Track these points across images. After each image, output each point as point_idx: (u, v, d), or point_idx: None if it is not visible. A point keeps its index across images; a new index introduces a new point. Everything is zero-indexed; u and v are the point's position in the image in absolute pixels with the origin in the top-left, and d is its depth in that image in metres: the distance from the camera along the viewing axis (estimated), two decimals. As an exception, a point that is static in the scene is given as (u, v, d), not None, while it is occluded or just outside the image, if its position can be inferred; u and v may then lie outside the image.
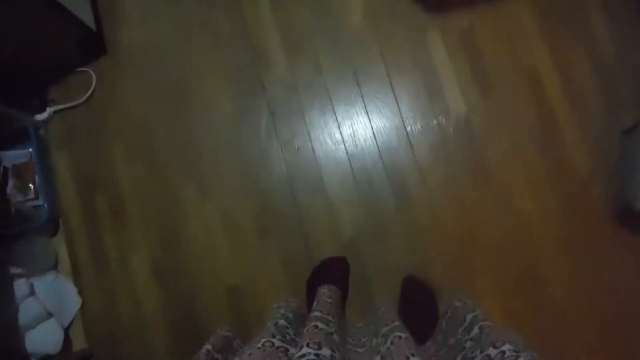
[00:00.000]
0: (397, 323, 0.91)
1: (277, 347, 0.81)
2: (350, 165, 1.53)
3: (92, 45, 1.65)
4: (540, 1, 1.55)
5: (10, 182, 1.55)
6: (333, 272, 1.40)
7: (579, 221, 1.43)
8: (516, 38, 1.55)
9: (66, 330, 1.52)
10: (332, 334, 0.86)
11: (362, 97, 1.57)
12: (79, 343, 1.53)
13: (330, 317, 0.94)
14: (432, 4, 1.58)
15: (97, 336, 1.55)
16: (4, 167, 1.56)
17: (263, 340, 0.82)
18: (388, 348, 0.81)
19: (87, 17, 1.61)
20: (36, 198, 1.56)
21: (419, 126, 1.53)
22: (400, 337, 0.82)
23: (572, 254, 1.42)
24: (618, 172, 1.43)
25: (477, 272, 1.44)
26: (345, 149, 1.54)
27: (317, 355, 0.73)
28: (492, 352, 0.77)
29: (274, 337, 0.84)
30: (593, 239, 1.42)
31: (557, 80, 1.51)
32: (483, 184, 1.48)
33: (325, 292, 1.18)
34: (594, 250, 1.42)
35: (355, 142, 1.54)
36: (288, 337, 0.92)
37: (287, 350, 0.81)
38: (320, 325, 0.86)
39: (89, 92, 1.65)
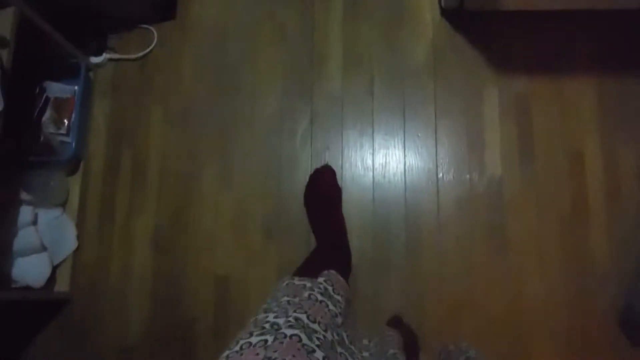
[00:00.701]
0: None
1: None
2: (373, 194, 1.52)
3: (164, 7, 1.68)
4: (607, 91, 1.53)
5: (48, 113, 1.58)
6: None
7: (582, 318, 1.39)
8: (570, 118, 1.53)
9: (54, 269, 1.53)
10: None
11: (404, 131, 1.56)
12: (62, 285, 1.54)
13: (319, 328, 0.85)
14: (498, 62, 1.57)
15: (81, 284, 1.55)
16: (47, 96, 1.59)
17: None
18: None
19: (167, -19, 1.65)
20: (67, 134, 1.58)
21: (450, 176, 1.51)
22: None
23: (567, 350, 1.38)
24: (635, 280, 1.38)
25: (466, 332, 1.41)
26: (373, 177, 1.53)
27: None
28: None
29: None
30: (592, 341, 1.38)
31: (599, 173, 1.48)
32: (497, 252, 1.45)
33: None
34: (590, 353, 1.37)
35: (385, 173, 1.53)
36: None
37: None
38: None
39: (147, 50, 1.68)
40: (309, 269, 1.17)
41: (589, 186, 1.46)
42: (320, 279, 0.86)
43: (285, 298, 0.76)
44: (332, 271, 0.90)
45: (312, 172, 1.52)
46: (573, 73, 1.56)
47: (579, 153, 1.49)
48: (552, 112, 1.53)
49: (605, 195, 1.45)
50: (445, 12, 1.63)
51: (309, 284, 0.83)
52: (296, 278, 0.86)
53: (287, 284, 0.84)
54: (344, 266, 1.40)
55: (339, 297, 0.85)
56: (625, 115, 1.51)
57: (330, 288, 0.85)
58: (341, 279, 0.91)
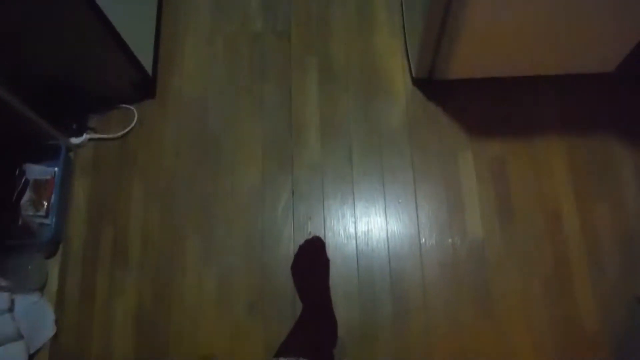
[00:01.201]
0: None
1: None
2: (358, 262, 1.52)
3: (143, 87, 1.72)
4: (575, 151, 1.58)
5: (27, 195, 1.57)
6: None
7: (577, 381, 1.37)
8: (545, 178, 1.57)
9: (30, 357, 1.46)
10: None
11: (384, 197, 1.58)
12: (40, 374, 1.47)
13: None
14: (470, 127, 1.63)
15: (60, 371, 1.49)
16: (26, 179, 1.59)
17: None
18: None
19: (146, 61, 1.69)
20: (46, 216, 1.57)
21: (433, 241, 1.52)
22: None
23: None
24: (625, 339, 1.38)
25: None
26: (356, 245, 1.53)
27: None
28: None
29: None
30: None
31: (577, 229, 1.51)
32: (485, 316, 1.44)
33: None
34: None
35: (368, 240, 1.54)
36: None
37: None
38: None
39: (127, 129, 1.70)
40: (291, 345, 1.15)
41: (569, 245, 1.48)
42: None
43: None
44: None
45: (301, 242, 1.53)
46: (542, 134, 1.61)
47: (556, 213, 1.52)
48: (527, 173, 1.57)
49: (585, 254, 1.47)
50: (416, 81, 1.69)
51: None
52: (281, 358, 0.87)
53: None
54: (329, 338, 1.38)
55: None
56: (596, 172, 1.56)
57: None
58: None
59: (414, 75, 1.68)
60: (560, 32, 1.39)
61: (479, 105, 1.66)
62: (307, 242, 1.52)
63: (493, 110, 1.65)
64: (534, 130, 1.62)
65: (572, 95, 1.64)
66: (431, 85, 1.67)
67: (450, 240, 1.52)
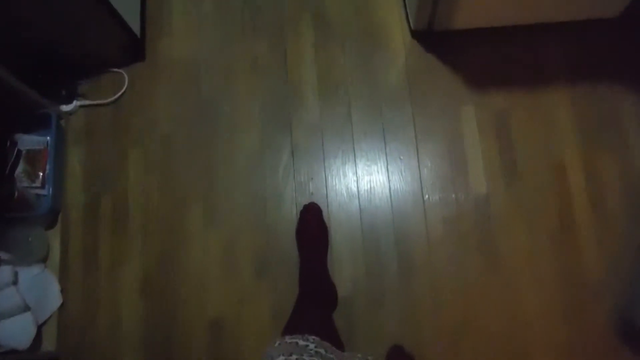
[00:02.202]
0: None
1: None
2: (361, 221, 1.51)
3: (132, 49, 1.66)
4: (580, 100, 1.55)
5: (21, 166, 1.54)
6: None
7: (581, 330, 1.39)
8: (549, 130, 1.54)
9: (39, 328, 1.47)
10: None
11: (386, 155, 1.55)
12: (49, 344, 1.48)
13: None
14: (472, 79, 1.59)
15: (69, 341, 1.50)
16: (18, 150, 1.55)
17: None
18: None
19: (134, 23, 1.63)
20: (42, 187, 1.54)
21: (436, 197, 1.51)
22: None
23: (567, 360, 1.38)
24: (628, 287, 1.39)
25: (466, 354, 1.40)
26: (359, 204, 1.52)
27: None
28: None
29: None
30: (591, 352, 1.38)
31: (582, 180, 1.49)
32: (490, 270, 1.45)
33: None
34: (590, 363, 1.38)
35: (371, 199, 1.52)
36: None
37: None
38: None
39: (119, 94, 1.65)
40: (297, 323, 1.17)
41: (574, 197, 1.48)
42: (311, 345, 0.87)
43: (282, 357, 0.79)
44: (317, 338, 0.91)
45: (304, 203, 1.51)
46: (547, 85, 1.58)
47: (560, 165, 1.50)
48: (530, 126, 1.55)
49: (590, 206, 1.47)
50: (415, 34, 1.64)
51: (301, 342, 0.86)
52: (287, 337, 0.89)
53: (279, 344, 0.86)
54: (330, 305, 1.40)
55: (332, 356, 0.87)
56: (601, 122, 1.53)
57: (321, 350, 0.86)
58: (327, 343, 0.92)
59: (412, 27, 1.62)
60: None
61: (481, 57, 1.61)
62: (305, 207, 1.50)
63: (495, 62, 1.60)
64: (538, 80, 1.58)
65: (576, 43, 1.59)
66: (430, 37, 1.62)
67: (453, 196, 1.51)
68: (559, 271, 1.43)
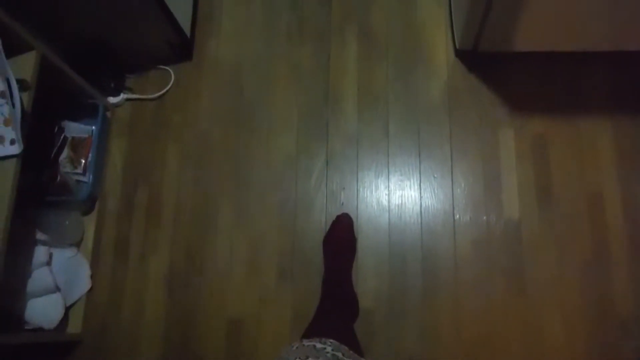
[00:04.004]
0: None
1: None
2: (389, 235, 1.50)
3: (181, 49, 1.71)
4: (621, 132, 1.52)
5: (65, 152, 1.59)
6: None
7: (607, 367, 1.35)
8: (588, 159, 1.51)
9: (66, 309, 1.51)
10: None
11: (419, 172, 1.55)
12: (75, 326, 1.52)
13: None
14: (513, 102, 1.58)
15: (93, 325, 1.54)
16: (65, 136, 1.61)
17: None
18: None
19: (185, 22, 1.68)
20: (83, 174, 1.59)
21: (467, 217, 1.50)
22: None
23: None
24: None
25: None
26: (389, 219, 1.52)
27: None
28: None
29: None
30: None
31: (619, 214, 1.46)
32: (516, 296, 1.42)
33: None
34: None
35: (401, 214, 1.52)
36: None
37: None
38: None
39: (164, 90, 1.70)
40: (316, 328, 1.17)
41: (610, 230, 1.44)
42: (328, 348, 0.86)
43: None
44: (335, 342, 0.91)
45: (333, 212, 1.53)
46: (588, 113, 1.55)
47: (597, 195, 1.47)
48: (569, 153, 1.52)
49: (626, 240, 1.43)
50: (459, 53, 1.64)
51: (318, 345, 0.86)
52: (305, 340, 0.89)
53: (296, 347, 0.86)
54: (351, 315, 1.39)
55: None
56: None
57: (339, 354, 0.86)
58: (345, 347, 0.92)
59: (457, 46, 1.62)
60: (620, 5, 1.32)
61: (523, 81, 1.60)
62: (338, 218, 1.50)
63: (537, 87, 1.59)
64: (580, 108, 1.56)
65: (622, 74, 1.56)
66: (474, 57, 1.61)
67: (485, 218, 1.49)
68: (587, 303, 1.40)
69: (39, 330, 1.45)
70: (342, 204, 1.55)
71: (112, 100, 1.69)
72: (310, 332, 1.21)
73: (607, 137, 1.52)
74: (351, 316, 1.41)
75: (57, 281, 1.49)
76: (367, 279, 1.47)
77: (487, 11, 1.36)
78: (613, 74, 1.57)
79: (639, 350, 1.35)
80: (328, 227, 1.51)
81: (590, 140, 1.53)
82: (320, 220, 1.53)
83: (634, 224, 1.44)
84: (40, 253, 1.49)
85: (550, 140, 1.54)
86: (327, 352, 0.85)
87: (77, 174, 1.59)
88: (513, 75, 1.60)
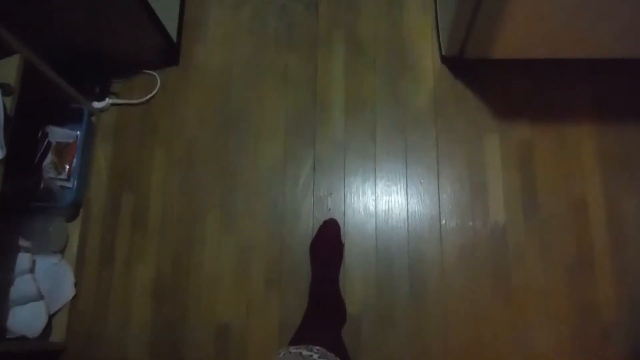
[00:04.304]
0: None
1: None
2: (376, 240, 1.51)
3: (167, 53, 1.70)
4: (606, 138, 1.54)
5: (49, 158, 1.57)
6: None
7: (592, 371, 1.37)
8: (573, 165, 1.53)
9: (50, 317, 1.49)
10: None
11: (406, 177, 1.56)
12: (58, 334, 1.50)
13: None
14: (499, 109, 1.59)
15: (77, 333, 1.51)
16: (49, 141, 1.59)
17: None
18: None
19: (171, 27, 1.67)
20: (67, 180, 1.57)
21: (454, 223, 1.50)
22: None
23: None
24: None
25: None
26: (376, 224, 1.52)
27: None
28: None
29: None
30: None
31: (604, 218, 1.48)
32: (503, 301, 1.43)
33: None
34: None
35: (388, 220, 1.52)
36: None
37: None
38: None
39: (150, 95, 1.69)
40: (303, 335, 1.17)
41: (594, 235, 1.46)
42: (315, 355, 0.87)
43: None
44: (322, 348, 0.91)
45: (320, 218, 1.53)
46: (573, 119, 1.57)
47: (582, 201, 1.49)
48: (554, 159, 1.54)
49: (610, 245, 1.45)
50: (446, 59, 1.65)
51: (305, 352, 0.86)
52: (292, 347, 0.90)
53: (283, 355, 0.87)
54: (339, 321, 1.39)
55: None
56: (627, 161, 1.52)
57: None
58: (332, 354, 0.92)
59: (443, 53, 1.64)
60: (603, 12, 1.33)
61: (509, 87, 1.61)
62: (325, 223, 1.50)
63: (523, 93, 1.61)
64: (565, 115, 1.58)
65: (608, 81, 1.59)
66: (460, 64, 1.63)
67: (471, 223, 1.50)
68: (573, 307, 1.41)
69: (22, 338, 1.43)
70: (329, 209, 1.55)
71: (97, 105, 1.67)
72: (298, 339, 1.21)
73: (591, 142, 1.54)
74: (339, 322, 1.40)
75: (41, 289, 1.47)
76: (354, 285, 1.47)
77: (472, 18, 1.38)
78: (598, 81, 1.59)
79: (622, 354, 1.37)
80: (315, 232, 1.51)
81: (575, 146, 1.55)
82: (308, 226, 1.53)
83: (617, 229, 1.46)
84: (23, 260, 1.47)
85: (535, 146, 1.55)
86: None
87: (61, 179, 1.57)
88: (499, 82, 1.62)
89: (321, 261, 1.44)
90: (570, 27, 1.41)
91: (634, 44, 1.49)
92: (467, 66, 1.62)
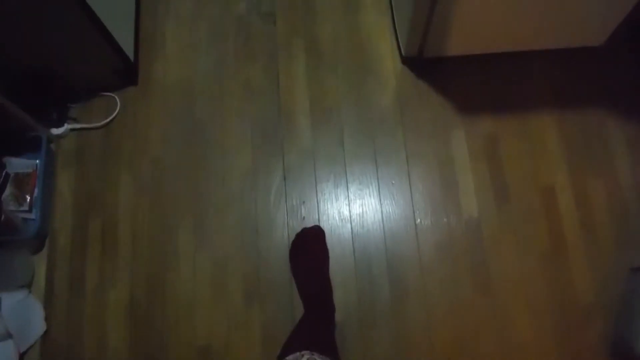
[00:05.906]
0: None
1: None
2: (353, 245, 1.50)
3: (125, 73, 1.66)
4: (566, 125, 1.58)
5: (8, 190, 1.51)
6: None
7: (573, 352, 1.39)
8: (538, 154, 1.56)
9: (21, 356, 1.42)
10: None
11: (377, 179, 1.56)
12: (32, 372, 1.43)
13: None
14: (461, 104, 1.61)
15: (52, 369, 1.45)
16: (6, 173, 1.53)
17: None
18: None
19: (128, 46, 1.63)
20: (29, 211, 1.51)
21: (428, 221, 1.51)
22: None
23: (563, 386, 1.37)
24: (621, 308, 1.39)
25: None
26: (351, 228, 1.51)
27: None
28: None
29: None
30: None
31: (572, 205, 1.51)
32: (482, 293, 1.44)
33: None
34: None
35: (363, 223, 1.52)
36: None
37: None
38: None
39: (110, 117, 1.65)
40: (292, 340, 1.15)
41: (564, 221, 1.49)
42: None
43: None
44: (308, 352, 0.90)
45: (296, 227, 1.51)
46: (535, 110, 1.61)
47: (550, 188, 1.52)
48: (519, 150, 1.57)
49: (580, 228, 1.48)
50: (406, 60, 1.67)
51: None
52: (287, 358, 0.87)
53: None
54: (331, 327, 1.37)
55: None
56: (588, 146, 1.56)
57: None
58: (322, 356, 0.90)
59: (403, 54, 1.65)
60: (550, 5, 1.38)
61: (470, 83, 1.64)
62: (306, 230, 1.49)
63: (484, 87, 1.63)
64: (526, 106, 1.61)
65: (563, 70, 1.63)
66: (421, 63, 1.64)
67: (445, 219, 1.51)
68: (551, 293, 1.43)
69: (-8, 381, 1.36)
70: (304, 218, 1.53)
71: (55, 131, 1.62)
72: (287, 350, 1.18)
73: (554, 130, 1.58)
74: (332, 325, 1.38)
75: (9, 327, 1.40)
76: (335, 291, 1.45)
77: (428, 18, 1.40)
78: (553, 70, 1.64)
79: (603, 334, 1.39)
80: (291, 242, 1.49)
81: (538, 135, 1.58)
82: (283, 236, 1.51)
83: (585, 213, 1.49)
84: (-13, 299, 1.41)
85: (500, 139, 1.58)
86: None
87: (22, 211, 1.51)
88: (460, 78, 1.64)
89: (311, 265, 1.42)
90: (518, 21, 1.45)
91: (580, 32, 1.54)
92: (428, 65, 1.64)
